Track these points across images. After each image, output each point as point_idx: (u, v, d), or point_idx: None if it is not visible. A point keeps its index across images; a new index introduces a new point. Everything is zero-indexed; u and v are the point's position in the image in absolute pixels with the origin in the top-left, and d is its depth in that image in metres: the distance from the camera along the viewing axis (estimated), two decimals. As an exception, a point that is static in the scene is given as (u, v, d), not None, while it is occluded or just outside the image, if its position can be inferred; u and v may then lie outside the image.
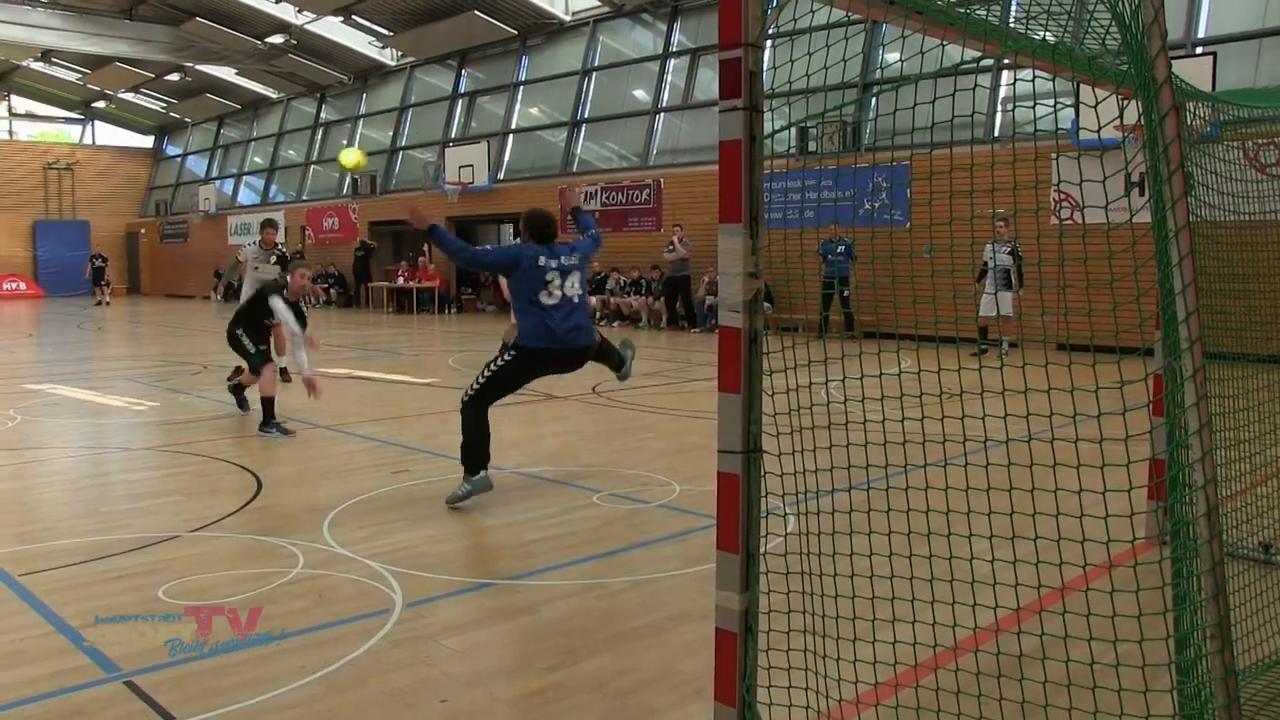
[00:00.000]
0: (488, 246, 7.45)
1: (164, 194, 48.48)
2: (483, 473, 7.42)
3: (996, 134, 20.63)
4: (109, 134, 50.19)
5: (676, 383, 14.40)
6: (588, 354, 7.88)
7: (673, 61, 27.74)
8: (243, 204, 43.41)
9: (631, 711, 4.14)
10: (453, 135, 33.09)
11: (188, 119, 47.74)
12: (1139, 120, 3.61)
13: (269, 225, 13.59)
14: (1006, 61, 20.91)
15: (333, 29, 33.93)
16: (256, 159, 43.83)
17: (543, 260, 7.52)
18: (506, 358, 7.50)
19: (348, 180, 36.19)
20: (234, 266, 12.65)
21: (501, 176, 30.84)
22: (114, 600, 5.30)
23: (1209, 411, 3.19)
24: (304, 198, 39.32)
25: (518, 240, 13.90)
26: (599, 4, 29.32)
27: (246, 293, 13.04)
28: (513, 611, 5.29)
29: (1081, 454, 3.41)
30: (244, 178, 44.11)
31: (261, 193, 42.56)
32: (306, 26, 33.75)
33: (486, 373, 7.52)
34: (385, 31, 33.50)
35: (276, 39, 34.50)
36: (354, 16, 32.44)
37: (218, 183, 44.81)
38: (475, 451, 7.42)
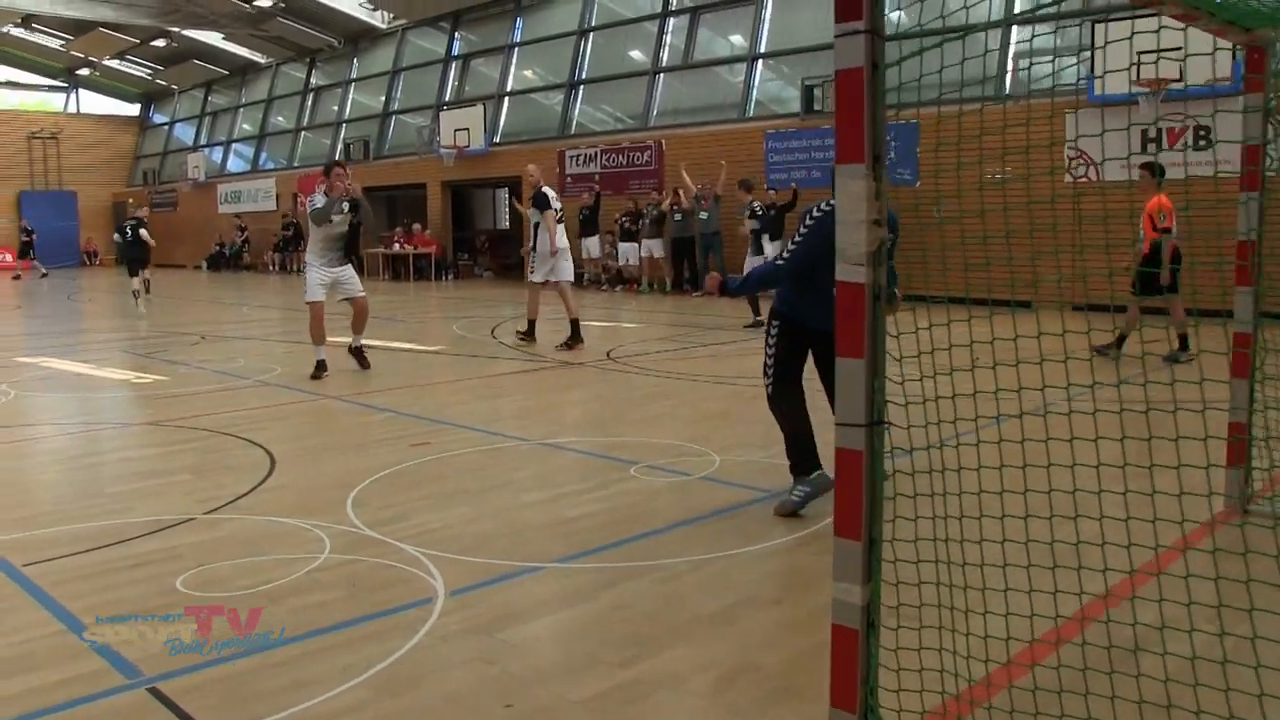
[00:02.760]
0: (783, 259, 6.00)
1: (151, 163, 47.74)
2: (818, 471, 6.11)
3: (1008, 91, 20.05)
4: (94, 102, 49.35)
5: (689, 347, 13.90)
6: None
7: (672, 21, 27.11)
8: (232, 171, 42.74)
9: (719, 712, 3.68)
10: (447, 99, 32.43)
11: (174, 86, 46.92)
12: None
13: (337, 167, 11.45)
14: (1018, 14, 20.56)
15: (322, -10, 33.27)
16: (245, 126, 43.10)
17: None
18: (774, 332, 6.26)
19: (340, 147, 35.52)
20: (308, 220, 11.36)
21: (498, 140, 30.24)
22: (128, 592, 4.81)
23: None
24: (295, 165, 38.65)
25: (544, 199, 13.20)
26: (595, -38, 28.71)
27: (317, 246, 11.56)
28: (569, 598, 4.81)
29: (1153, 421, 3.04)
30: (233, 145, 43.40)
31: (251, 160, 41.86)
32: (295, -12, 33.08)
33: (768, 358, 6.28)
34: (375, -8, 32.86)
35: (265, 2, 33.77)
36: (344, -23, 31.80)
37: (206, 150, 44.07)
38: (800, 445, 6.18)
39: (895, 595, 3.48)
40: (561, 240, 13.81)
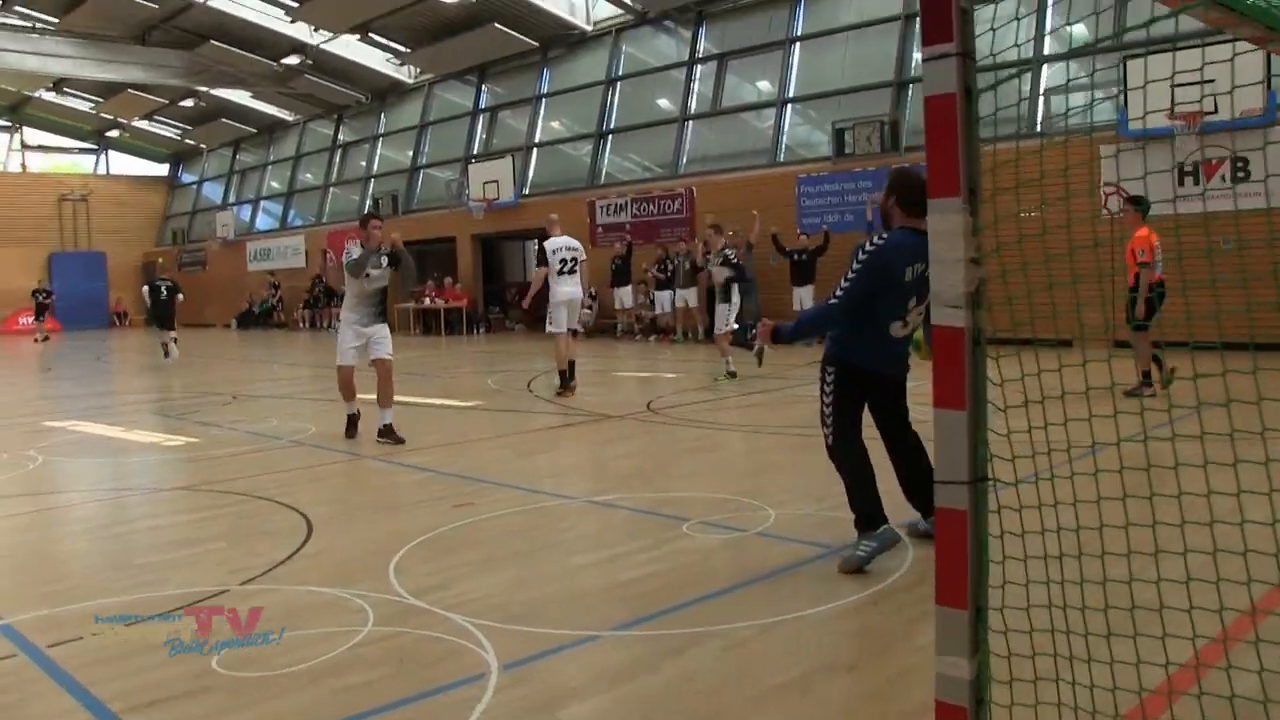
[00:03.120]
0: (836, 297, 5.71)
1: (180, 222, 48.01)
2: (884, 525, 5.82)
3: (1039, 128, 19.79)
4: (123, 163, 49.73)
5: (730, 396, 13.60)
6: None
7: (699, 68, 27.01)
8: (260, 229, 42.85)
9: (808, 803, 3.35)
10: (475, 151, 32.40)
11: (203, 145, 47.25)
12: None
13: (373, 219, 10.88)
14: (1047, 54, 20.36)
15: (349, 47, 33.34)
16: (274, 183, 43.29)
17: (910, 272, 5.68)
18: (829, 379, 6.02)
19: (369, 202, 35.53)
20: (339, 269, 11.10)
21: (527, 191, 30.14)
22: (160, 675, 4.50)
23: None
24: (324, 221, 38.70)
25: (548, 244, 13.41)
26: (621, 12, 28.63)
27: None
28: (631, 670, 4.48)
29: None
30: (261, 202, 43.56)
31: (280, 217, 41.98)
32: (323, 46, 33.17)
33: (825, 405, 6.04)
34: (402, 48, 32.91)
35: (292, 60, 33.90)
36: (371, 34, 31.84)
37: (235, 208, 44.25)
38: (864, 496, 5.89)
39: (1008, 669, 3.15)
40: (562, 291, 14.04)
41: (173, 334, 24.02)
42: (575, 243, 14.33)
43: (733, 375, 15.01)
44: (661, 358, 20.42)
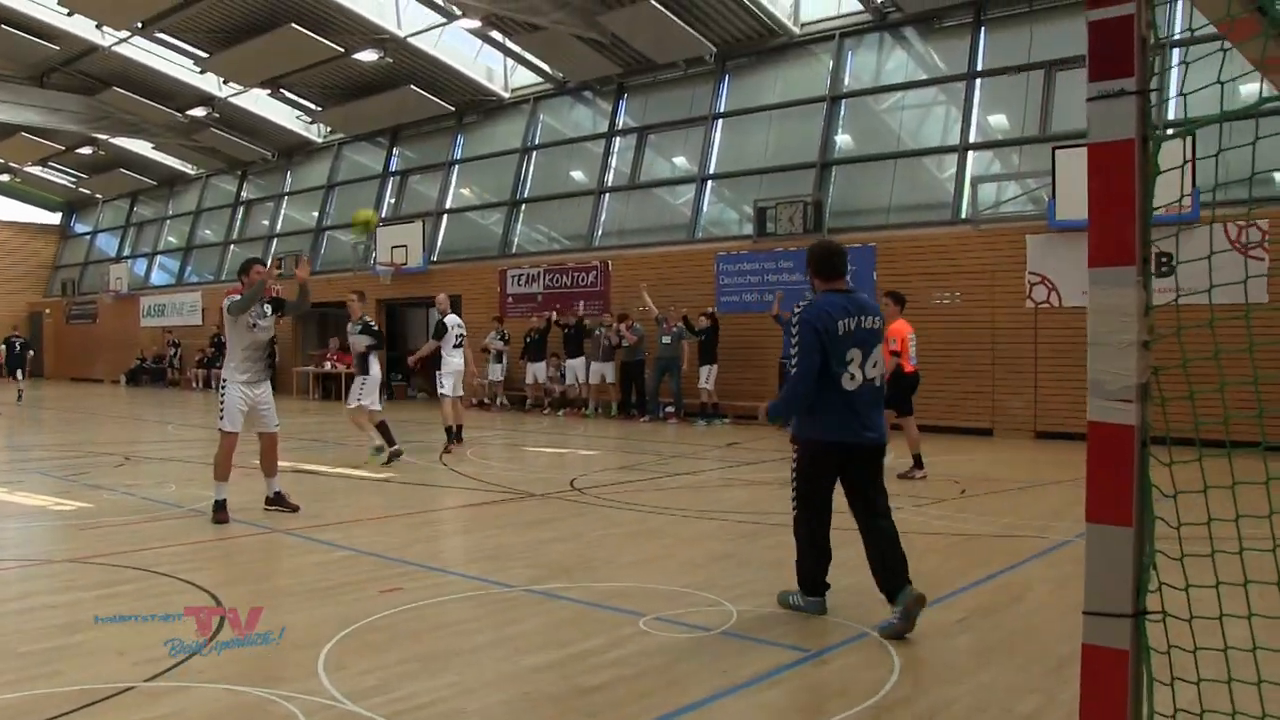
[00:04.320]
0: (798, 366, 6.15)
1: (71, 273, 46.29)
2: (820, 598, 6.48)
3: (964, 214, 19.69)
4: (11, 209, 47.81)
5: (657, 476, 12.99)
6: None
7: (618, 140, 26.65)
8: (155, 284, 41.46)
9: None
10: (383, 215, 31.62)
11: (98, 195, 45.79)
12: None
13: (255, 264, 10.29)
14: (973, 141, 20.33)
15: (258, 102, 32.50)
16: (171, 238, 41.97)
17: (841, 326, 6.18)
18: (796, 456, 6.49)
19: (270, 260, 34.49)
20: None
21: (435, 258, 29.43)
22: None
23: None
24: (223, 278, 37.49)
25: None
26: (540, 80, 28.25)
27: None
28: (620, 809, 3.83)
29: None
30: (158, 257, 42.18)
31: (177, 273, 40.65)
32: (230, 99, 32.23)
33: (793, 483, 6.53)
34: (313, 106, 32.16)
35: (198, 111, 32.85)
36: (282, 89, 31.01)
37: (130, 262, 42.79)
38: (810, 569, 6.46)
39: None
40: (454, 362, 16.28)
41: (23, 382, 30.00)
42: (462, 321, 16.67)
43: (379, 450, 14.30)
44: (574, 433, 19.76)
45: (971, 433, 18.50)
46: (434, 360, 16.55)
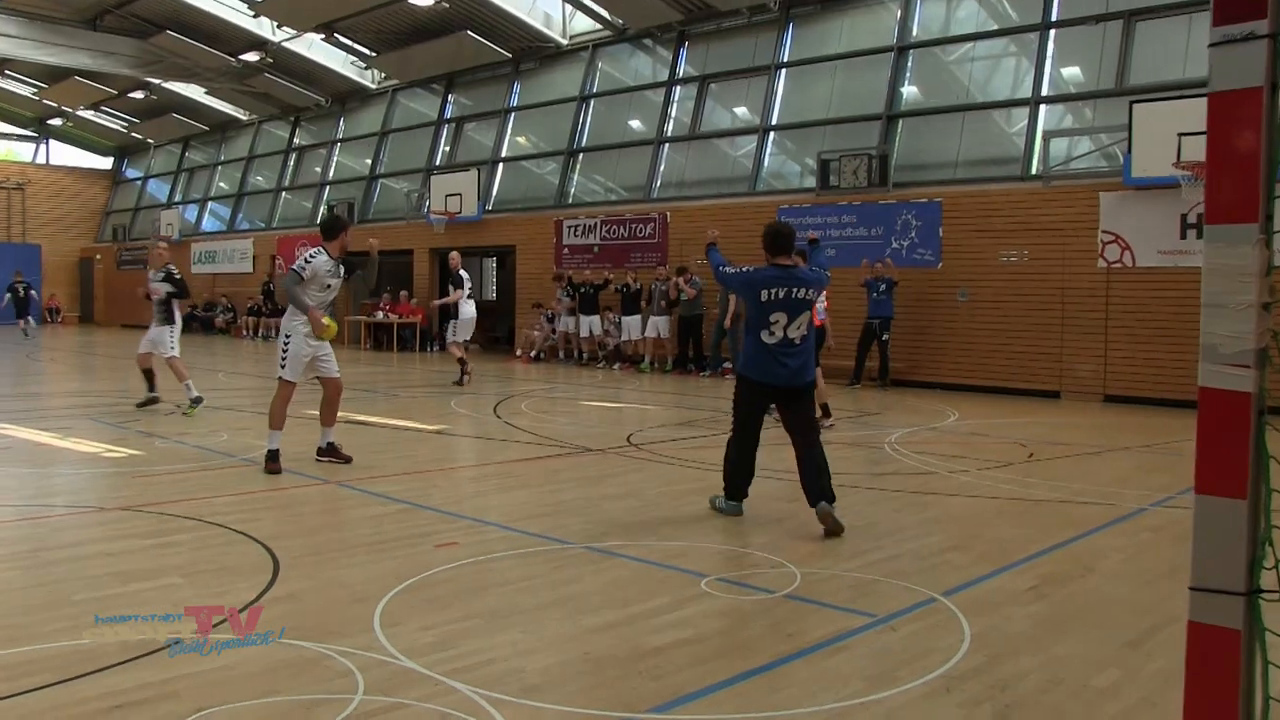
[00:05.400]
0: (733, 269, 8.37)
1: (122, 218, 46.70)
2: (737, 503, 8.29)
3: (1035, 171, 19.31)
4: (64, 154, 48.38)
5: (716, 434, 12.91)
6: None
7: (678, 90, 26.40)
8: (207, 230, 41.76)
9: None
10: (438, 163, 31.64)
11: (150, 140, 46.14)
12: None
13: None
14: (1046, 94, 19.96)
15: (312, 47, 32.46)
16: (223, 184, 42.23)
17: (766, 294, 7.87)
18: (735, 388, 8.34)
19: (322, 209, 34.63)
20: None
21: (490, 207, 29.41)
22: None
23: None
24: (274, 225, 37.74)
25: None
26: (600, 27, 28.02)
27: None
28: (685, 774, 3.79)
29: None
30: (209, 203, 42.46)
31: (228, 220, 40.91)
32: (284, 44, 32.29)
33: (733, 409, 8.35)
34: (368, 51, 32.06)
35: (251, 56, 32.92)
36: (336, 34, 30.96)
37: (181, 208, 43.11)
38: (730, 476, 8.24)
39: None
40: (469, 311, 19.20)
41: (27, 320, 33.89)
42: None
43: (197, 402, 14.26)
44: (629, 388, 19.72)
45: (1038, 395, 18.27)
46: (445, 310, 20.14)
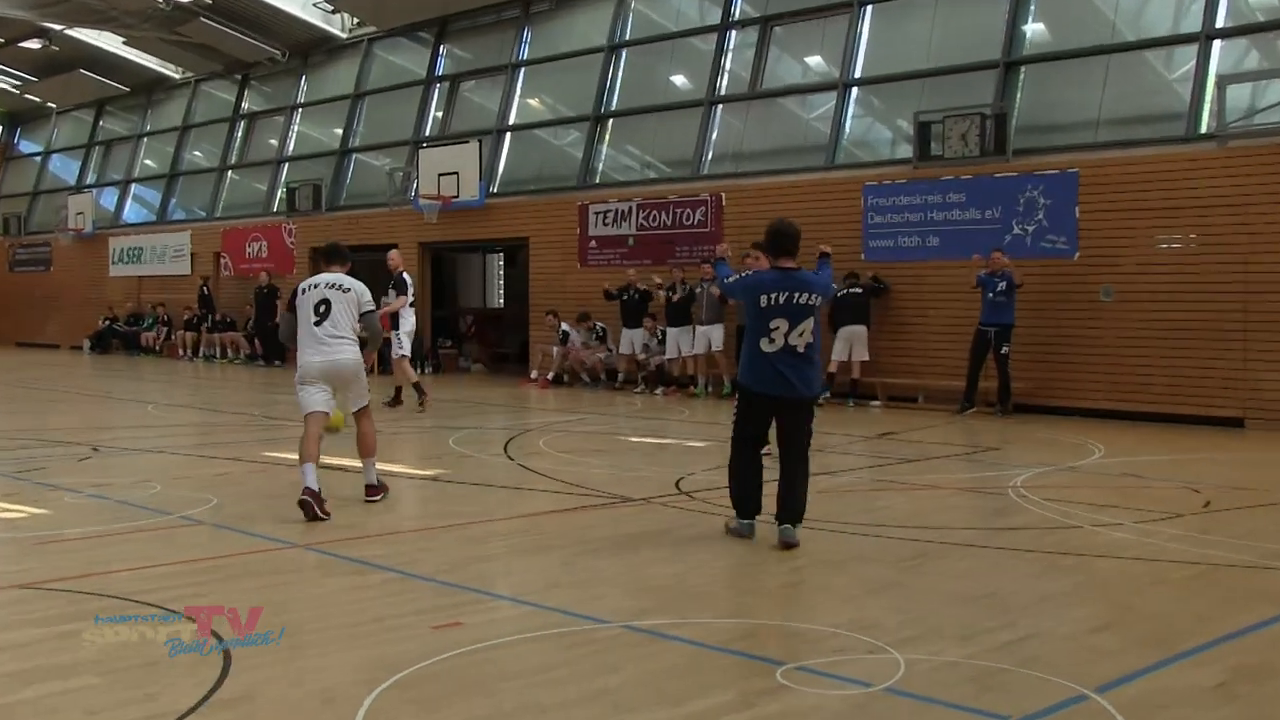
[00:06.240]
0: (735, 278, 10.06)
1: (16, 205, 47.17)
2: (748, 522, 9.56)
3: (1206, 128, 19.06)
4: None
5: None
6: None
7: (733, 36, 26.43)
8: (130, 221, 42.14)
9: None
10: (428, 133, 31.81)
11: (51, 104, 46.69)
12: None
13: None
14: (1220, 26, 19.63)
15: (264, -15, 32.82)
16: (150, 162, 42.61)
17: (765, 299, 9.16)
18: (737, 398, 9.81)
19: (279, 193, 34.83)
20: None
21: (495, 189, 29.54)
22: None
23: None
24: (217, 214, 37.99)
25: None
26: (631, -41, 28.22)
27: None
28: None
29: None
30: (132, 186, 42.84)
31: (158, 208, 41.16)
32: (229, -22, 32.64)
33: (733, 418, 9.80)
34: (337, -11, 32.42)
35: (185, -3, 33.23)
36: (296, -34, 31.34)
37: (95, 192, 43.49)
38: (734, 491, 9.65)
39: None
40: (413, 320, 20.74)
41: None
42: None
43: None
44: (676, 419, 19.76)
45: (1213, 423, 18.10)
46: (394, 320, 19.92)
